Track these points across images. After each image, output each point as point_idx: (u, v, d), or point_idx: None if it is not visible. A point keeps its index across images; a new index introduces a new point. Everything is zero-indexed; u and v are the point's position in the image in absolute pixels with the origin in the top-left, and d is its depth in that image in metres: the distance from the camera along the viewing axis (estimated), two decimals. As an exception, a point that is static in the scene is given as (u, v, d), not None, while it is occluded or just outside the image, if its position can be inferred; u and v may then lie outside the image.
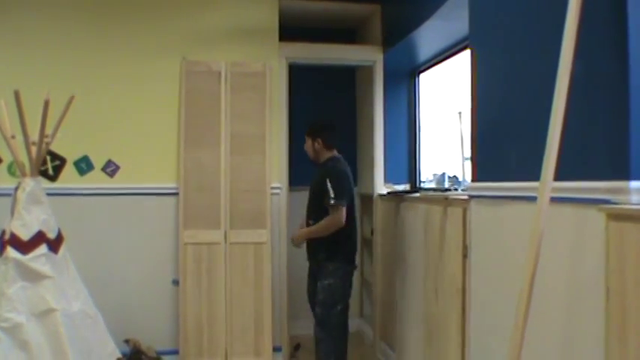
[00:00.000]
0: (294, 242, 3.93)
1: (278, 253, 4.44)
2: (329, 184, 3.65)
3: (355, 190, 3.95)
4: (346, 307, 3.81)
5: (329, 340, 3.75)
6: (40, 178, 3.16)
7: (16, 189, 3.04)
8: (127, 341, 4.03)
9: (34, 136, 3.04)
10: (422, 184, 4.83)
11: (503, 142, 2.59)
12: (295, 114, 4.66)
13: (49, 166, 4.15)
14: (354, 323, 5.36)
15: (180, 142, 4.27)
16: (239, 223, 4.26)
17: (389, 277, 4.37)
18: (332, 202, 3.63)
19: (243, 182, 4.26)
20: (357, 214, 3.83)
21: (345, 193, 3.70)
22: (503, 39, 2.61)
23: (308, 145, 3.95)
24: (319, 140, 3.88)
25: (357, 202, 5.32)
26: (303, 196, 4.06)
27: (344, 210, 3.66)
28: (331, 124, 3.99)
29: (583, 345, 1.93)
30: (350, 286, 3.84)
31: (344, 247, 3.79)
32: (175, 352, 4.22)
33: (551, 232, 1.99)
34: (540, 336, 2.15)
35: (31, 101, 2.93)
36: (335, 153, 3.94)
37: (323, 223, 3.71)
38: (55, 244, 3.05)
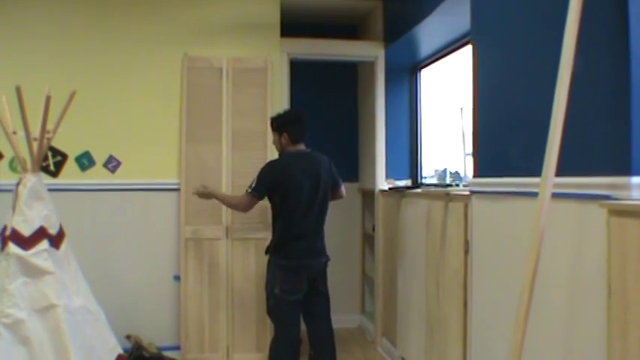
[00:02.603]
0: (197, 191, 3.89)
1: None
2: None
3: (307, 182, 3.62)
4: (282, 302, 3.62)
5: (276, 330, 3.73)
6: (42, 174, 3.15)
7: (18, 185, 3.04)
8: (128, 337, 4.04)
9: (36, 131, 3.04)
10: (423, 180, 4.83)
11: (504, 138, 2.59)
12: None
13: (51, 161, 4.15)
14: (355, 319, 5.39)
15: (182, 138, 4.27)
16: (240, 218, 4.26)
17: (390, 273, 4.37)
18: (248, 188, 3.69)
19: (245, 178, 4.24)
20: (299, 211, 3.59)
21: (259, 185, 3.66)
22: (505, 34, 2.60)
23: (275, 140, 3.81)
24: (285, 135, 3.72)
25: (358, 198, 5.36)
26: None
27: (250, 197, 3.68)
28: (297, 117, 3.79)
29: (585, 340, 1.93)
30: (283, 280, 3.61)
31: (275, 239, 3.70)
32: (177, 348, 4.23)
33: (553, 227, 1.99)
34: (542, 331, 2.15)
35: (32, 97, 2.93)
36: (299, 147, 3.74)
37: (232, 198, 3.92)
38: (56, 240, 3.04)
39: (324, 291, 3.79)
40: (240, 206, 3.81)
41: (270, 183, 3.66)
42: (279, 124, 3.77)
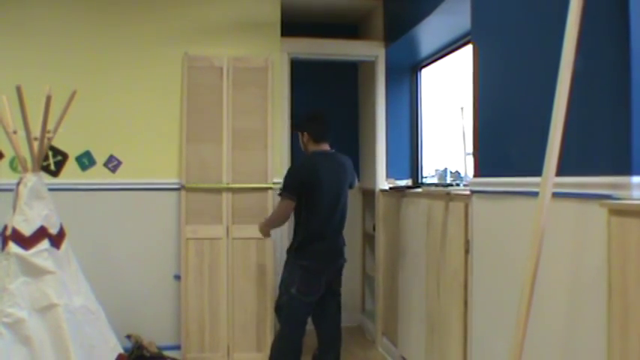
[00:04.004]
0: (262, 233, 3.91)
1: (280, 249, 4.44)
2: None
3: (331, 184, 3.63)
4: (296, 302, 3.61)
5: (283, 328, 3.71)
6: (42, 174, 3.16)
7: (18, 184, 3.04)
8: (128, 336, 4.04)
9: (36, 131, 3.04)
10: (424, 180, 4.83)
11: (505, 138, 2.58)
12: (297, 109, 4.65)
13: (51, 161, 4.15)
14: (356, 318, 5.38)
15: (183, 138, 4.27)
16: (241, 218, 4.26)
17: (391, 273, 4.37)
18: (279, 192, 3.69)
19: (245, 177, 4.26)
20: (324, 211, 3.61)
21: (290, 186, 3.61)
22: (506, 34, 2.60)
23: (300, 139, 3.85)
24: (306, 134, 3.75)
25: (359, 197, 5.36)
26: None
27: (286, 201, 3.62)
28: (317, 116, 3.80)
29: (585, 340, 1.93)
30: (302, 281, 3.59)
31: (298, 239, 3.66)
32: (177, 348, 4.23)
33: (553, 227, 1.99)
34: (542, 331, 2.15)
35: (32, 96, 2.93)
36: (322, 147, 3.74)
37: (274, 213, 3.84)
38: (57, 240, 3.05)
39: (339, 291, 3.80)
40: (283, 215, 3.72)
41: (299, 183, 3.62)
42: (298, 123, 3.82)
